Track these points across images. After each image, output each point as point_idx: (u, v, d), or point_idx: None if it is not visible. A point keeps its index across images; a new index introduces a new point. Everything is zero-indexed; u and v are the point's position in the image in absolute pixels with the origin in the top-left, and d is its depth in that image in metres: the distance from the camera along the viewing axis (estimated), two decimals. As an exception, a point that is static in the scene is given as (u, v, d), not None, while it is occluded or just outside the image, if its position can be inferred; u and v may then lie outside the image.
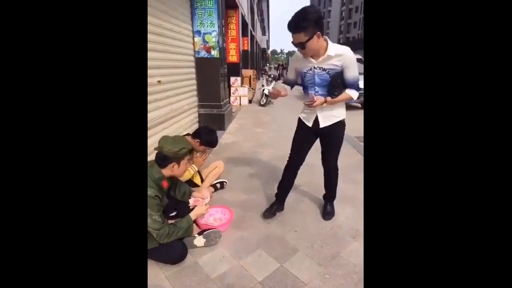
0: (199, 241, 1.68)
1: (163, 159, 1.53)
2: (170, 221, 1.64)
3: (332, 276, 1.48)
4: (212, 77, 4.37)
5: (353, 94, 1.64)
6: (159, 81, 2.89)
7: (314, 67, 1.62)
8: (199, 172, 2.37)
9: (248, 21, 10.44)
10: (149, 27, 2.67)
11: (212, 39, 4.20)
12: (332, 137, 1.83)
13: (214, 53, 4.26)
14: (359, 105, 7.04)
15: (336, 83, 1.61)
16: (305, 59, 1.63)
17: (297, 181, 2.62)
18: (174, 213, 1.95)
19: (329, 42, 1.56)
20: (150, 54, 2.67)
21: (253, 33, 13.12)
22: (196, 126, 4.27)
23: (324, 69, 1.60)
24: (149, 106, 2.70)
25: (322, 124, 1.77)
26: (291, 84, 1.87)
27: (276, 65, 23.15)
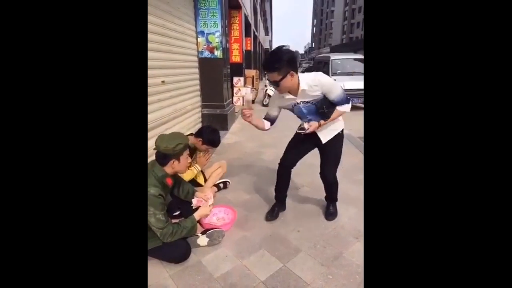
0: (202, 240, 1.69)
1: (162, 158, 1.53)
2: (174, 221, 1.66)
3: (334, 276, 1.48)
4: (215, 77, 4.39)
5: (344, 108, 1.70)
6: (163, 81, 2.90)
7: (297, 103, 1.68)
8: (202, 171, 2.38)
9: (251, 21, 10.45)
10: (153, 27, 2.68)
11: (216, 39, 4.21)
12: (331, 150, 1.87)
13: (217, 53, 4.27)
14: (363, 106, 7.02)
15: (324, 107, 1.67)
16: (287, 98, 1.68)
17: (299, 181, 2.63)
18: (178, 212, 1.96)
19: (300, 76, 1.60)
20: (153, 54, 2.68)
21: (256, 33, 13.13)
22: (199, 126, 4.28)
23: (307, 102, 1.67)
24: (153, 106, 2.72)
25: (323, 140, 1.82)
26: (272, 121, 1.85)
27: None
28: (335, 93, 1.62)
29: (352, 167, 2.92)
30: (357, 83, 6.28)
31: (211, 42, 4.22)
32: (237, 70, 7.53)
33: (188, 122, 3.88)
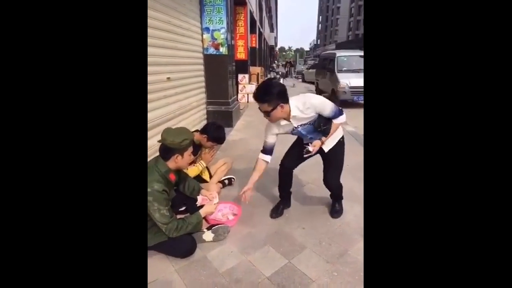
0: (207, 236, 1.70)
1: (166, 151, 1.53)
2: (179, 216, 1.67)
3: (340, 273, 1.48)
4: (220, 74, 4.39)
5: (340, 120, 1.74)
6: (168, 78, 2.91)
7: (296, 127, 1.72)
8: (207, 168, 2.39)
9: (257, 18, 10.40)
10: (158, 24, 2.69)
11: (221, 36, 4.20)
12: (333, 157, 1.88)
13: (223, 50, 4.26)
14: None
15: (321, 124, 1.69)
16: (282, 124, 1.71)
17: (304, 178, 2.63)
18: (183, 208, 1.97)
19: (290, 103, 1.61)
20: (159, 51, 2.69)
21: (261, 30, 13.07)
22: (204, 123, 4.29)
23: (304, 124, 1.71)
24: (158, 103, 2.73)
25: (326, 149, 1.84)
26: (271, 151, 1.83)
27: (284, 63, 22.97)
28: (328, 110, 1.65)
29: (357, 164, 2.90)
30: (363, 80, 6.24)
31: (216, 39, 4.22)
32: (242, 67, 7.51)
33: (193, 119, 3.89)
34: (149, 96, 2.52)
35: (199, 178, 2.25)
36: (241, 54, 7.78)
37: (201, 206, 1.88)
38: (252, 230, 1.86)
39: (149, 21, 2.50)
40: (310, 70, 13.90)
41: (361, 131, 4.12)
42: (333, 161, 1.90)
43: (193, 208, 1.89)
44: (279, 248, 1.67)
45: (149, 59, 2.47)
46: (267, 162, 1.85)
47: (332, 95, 6.74)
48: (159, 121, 2.74)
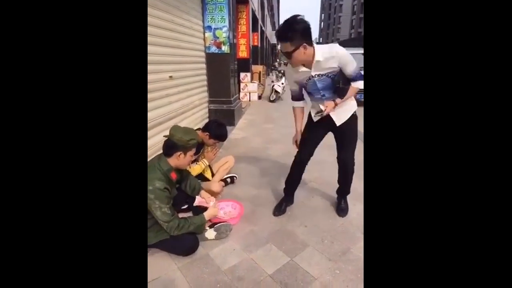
0: (210, 234, 1.71)
1: (170, 147, 1.53)
2: (181, 214, 1.67)
3: (342, 271, 1.48)
4: (222, 72, 4.38)
5: (359, 84, 1.62)
6: (170, 77, 2.92)
7: (312, 76, 1.60)
8: (209, 166, 2.39)
9: (259, 16, 10.38)
10: (160, 22, 2.69)
11: (223, 34, 4.20)
12: (347, 132, 1.81)
13: (225, 48, 4.26)
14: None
15: (340, 82, 1.59)
16: (300, 71, 1.60)
17: (307, 177, 2.62)
18: (185, 206, 1.98)
19: (315, 47, 1.51)
20: (161, 50, 2.69)
21: (263, 28, 13.04)
22: (206, 121, 4.29)
23: (322, 75, 1.58)
24: (161, 102, 2.74)
25: (338, 123, 1.75)
26: (300, 98, 1.81)
27: (285, 61, 22.91)
28: (351, 67, 1.55)
29: (360, 163, 2.88)
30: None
31: (218, 37, 4.21)
32: (244, 65, 7.50)
33: (195, 118, 3.89)
34: (152, 95, 2.53)
35: (201, 177, 2.26)
36: (243, 52, 7.77)
37: (200, 207, 1.89)
38: (254, 228, 1.86)
39: (152, 20, 2.50)
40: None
41: (361, 128, 4.11)
42: (347, 137, 1.81)
43: (194, 207, 1.89)
44: (281, 246, 1.67)
45: (152, 58, 2.47)
46: (302, 107, 1.83)
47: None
48: (161, 119, 2.75)
